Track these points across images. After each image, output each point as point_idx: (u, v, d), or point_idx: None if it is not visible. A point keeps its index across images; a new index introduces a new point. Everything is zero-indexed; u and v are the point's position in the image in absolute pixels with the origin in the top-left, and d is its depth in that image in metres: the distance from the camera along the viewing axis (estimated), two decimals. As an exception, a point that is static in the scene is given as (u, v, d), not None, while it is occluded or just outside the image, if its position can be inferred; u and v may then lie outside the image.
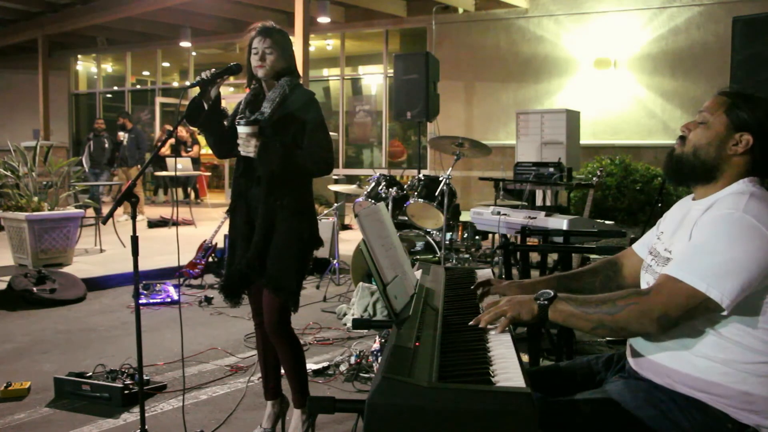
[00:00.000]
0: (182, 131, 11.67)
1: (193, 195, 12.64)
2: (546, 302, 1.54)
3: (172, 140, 11.31)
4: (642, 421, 1.49)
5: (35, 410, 3.17)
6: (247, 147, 2.47)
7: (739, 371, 1.44)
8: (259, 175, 2.53)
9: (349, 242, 7.01)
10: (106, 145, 10.05)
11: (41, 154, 6.75)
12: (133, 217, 2.35)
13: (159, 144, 11.22)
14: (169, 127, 12.20)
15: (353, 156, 12.44)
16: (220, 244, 5.98)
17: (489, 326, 1.57)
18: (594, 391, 1.60)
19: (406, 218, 5.29)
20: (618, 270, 1.88)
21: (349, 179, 10.96)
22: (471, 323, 1.58)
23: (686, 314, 1.43)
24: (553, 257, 4.80)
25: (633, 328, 1.49)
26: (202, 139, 11.34)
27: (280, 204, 2.53)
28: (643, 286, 1.70)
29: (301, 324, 4.45)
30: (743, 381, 1.44)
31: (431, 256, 5.15)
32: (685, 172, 1.61)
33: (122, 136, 10.17)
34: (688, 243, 1.49)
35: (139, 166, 10.08)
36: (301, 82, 2.66)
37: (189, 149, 11.85)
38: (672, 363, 1.51)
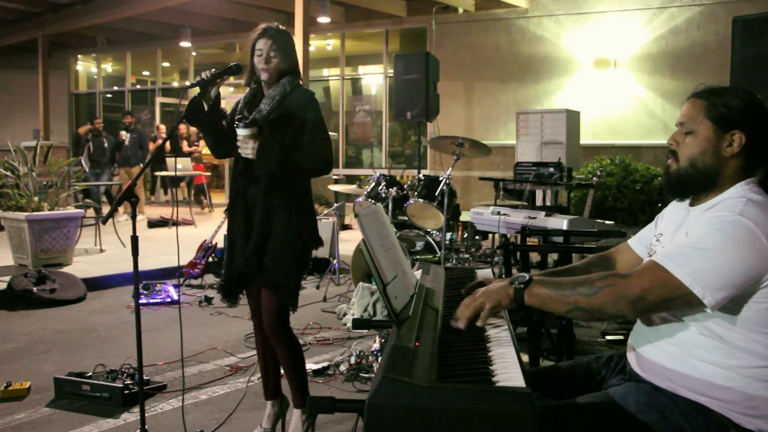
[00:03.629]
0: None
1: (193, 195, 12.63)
2: (522, 286, 1.51)
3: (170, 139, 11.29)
4: (644, 425, 1.48)
5: (35, 410, 3.17)
6: (246, 148, 2.47)
7: (743, 376, 1.43)
8: (257, 174, 2.53)
9: (349, 242, 7.01)
10: (106, 145, 10.06)
11: (41, 154, 6.76)
12: (133, 217, 2.35)
13: (159, 144, 11.20)
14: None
15: (353, 156, 12.44)
16: (220, 244, 5.98)
17: (488, 323, 1.56)
18: (595, 394, 1.58)
19: (406, 218, 5.29)
20: (611, 266, 1.86)
21: (349, 179, 10.96)
22: (452, 323, 1.56)
23: (664, 303, 1.42)
24: (553, 257, 4.80)
25: (608, 311, 1.48)
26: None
27: (279, 204, 2.52)
28: None
29: (301, 324, 4.45)
30: (747, 385, 1.43)
31: (431, 256, 5.14)
32: (688, 186, 1.58)
33: (124, 135, 10.17)
34: (688, 233, 1.49)
35: (141, 165, 10.08)
36: (301, 82, 2.66)
37: (195, 144, 11.77)
38: (675, 366, 1.50)
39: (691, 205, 1.61)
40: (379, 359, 3.47)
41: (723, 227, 1.41)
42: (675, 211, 1.69)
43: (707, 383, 1.45)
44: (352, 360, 3.56)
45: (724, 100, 1.54)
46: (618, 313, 1.48)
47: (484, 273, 2.18)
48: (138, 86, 15.38)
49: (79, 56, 15.63)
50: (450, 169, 5.08)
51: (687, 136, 1.58)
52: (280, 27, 2.58)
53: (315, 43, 12.04)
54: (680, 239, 1.50)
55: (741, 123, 1.52)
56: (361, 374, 3.47)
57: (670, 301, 1.42)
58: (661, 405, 1.49)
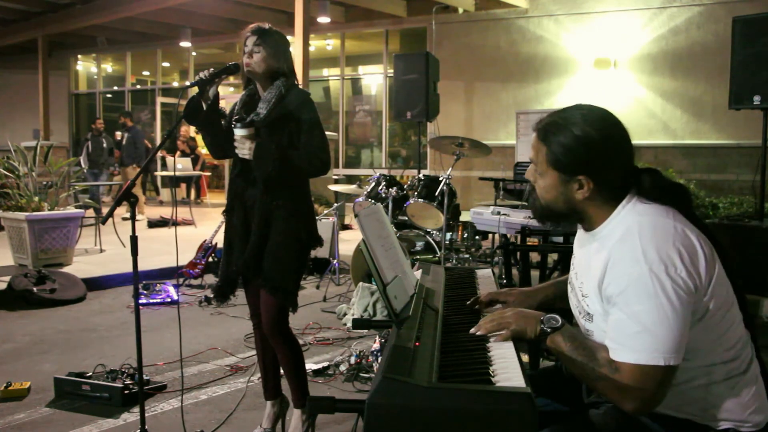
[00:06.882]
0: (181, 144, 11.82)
1: (193, 195, 12.64)
2: (549, 330, 1.51)
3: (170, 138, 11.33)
4: None
5: (35, 410, 3.17)
6: (242, 149, 2.47)
7: (708, 388, 1.45)
8: (255, 175, 2.53)
9: (349, 242, 7.01)
10: (105, 145, 10.06)
11: (41, 154, 6.76)
12: (132, 217, 2.34)
13: (158, 144, 11.25)
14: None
15: (353, 156, 12.44)
16: (221, 244, 5.97)
17: (490, 335, 1.56)
18: (578, 416, 1.58)
19: (406, 218, 5.28)
20: None
21: (349, 179, 10.96)
22: (472, 330, 1.56)
23: (662, 389, 1.38)
24: (553, 257, 4.80)
25: (613, 401, 1.45)
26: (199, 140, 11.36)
27: (277, 205, 2.52)
28: (572, 305, 1.66)
29: (301, 324, 4.45)
30: (713, 396, 1.45)
31: (431, 256, 5.14)
32: (555, 221, 1.56)
33: (119, 135, 10.18)
34: (620, 313, 1.40)
35: (134, 165, 10.07)
36: (299, 84, 2.65)
37: (191, 155, 11.91)
38: None
39: (585, 229, 1.57)
40: (379, 359, 3.47)
41: (648, 291, 1.36)
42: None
43: (678, 400, 1.47)
44: (352, 360, 3.56)
45: (561, 142, 1.46)
46: (623, 408, 1.43)
47: (484, 273, 2.18)
48: (138, 86, 15.38)
49: (79, 56, 15.63)
50: (450, 169, 5.08)
51: (539, 176, 1.53)
52: (270, 27, 2.57)
53: (315, 43, 12.04)
54: (617, 317, 1.41)
55: (583, 169, 1.46)
56: (361, 374, 3.47)
57: (665, 383, 1.38)
58: (643, 425, 1.50)
